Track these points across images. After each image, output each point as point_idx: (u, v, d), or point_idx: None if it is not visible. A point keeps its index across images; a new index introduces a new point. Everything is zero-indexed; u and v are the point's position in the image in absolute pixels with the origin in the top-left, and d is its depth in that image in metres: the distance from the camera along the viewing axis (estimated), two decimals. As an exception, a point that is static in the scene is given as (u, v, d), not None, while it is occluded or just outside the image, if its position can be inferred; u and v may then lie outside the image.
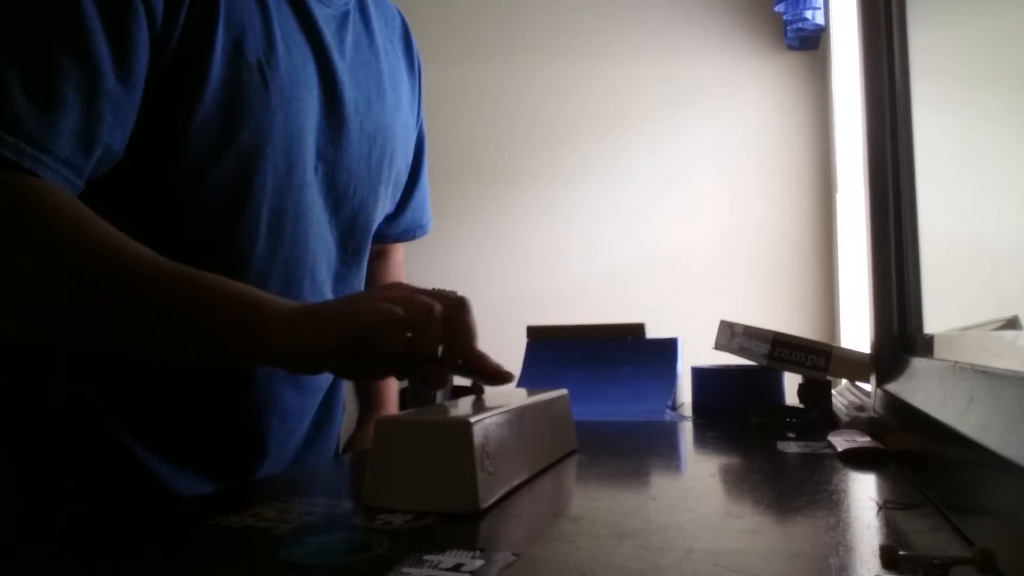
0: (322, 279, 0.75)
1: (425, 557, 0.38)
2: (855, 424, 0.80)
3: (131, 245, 0.55)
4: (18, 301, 0.54)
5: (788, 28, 2.42)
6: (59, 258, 0.53)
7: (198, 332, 0.55)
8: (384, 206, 0.85)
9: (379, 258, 0.98)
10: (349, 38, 0.76)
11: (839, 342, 2.29)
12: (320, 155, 0.72)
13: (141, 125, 0.59)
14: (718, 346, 1.06)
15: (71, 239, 0.53)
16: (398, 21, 0.89)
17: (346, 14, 0.76)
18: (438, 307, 0.54)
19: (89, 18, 0.54)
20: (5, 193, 0.51)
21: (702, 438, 0.82)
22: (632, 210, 2.64)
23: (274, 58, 0.66)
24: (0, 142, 0.50)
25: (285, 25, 0.68)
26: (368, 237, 0.82)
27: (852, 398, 0.97)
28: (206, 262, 0.58)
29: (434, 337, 0.54)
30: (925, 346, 0.74)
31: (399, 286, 0.58)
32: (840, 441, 0.68)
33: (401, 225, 0.96)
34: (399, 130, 0.83)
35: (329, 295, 0.77)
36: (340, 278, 0.78)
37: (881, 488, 0.56)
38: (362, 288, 0.84)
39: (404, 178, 0.89)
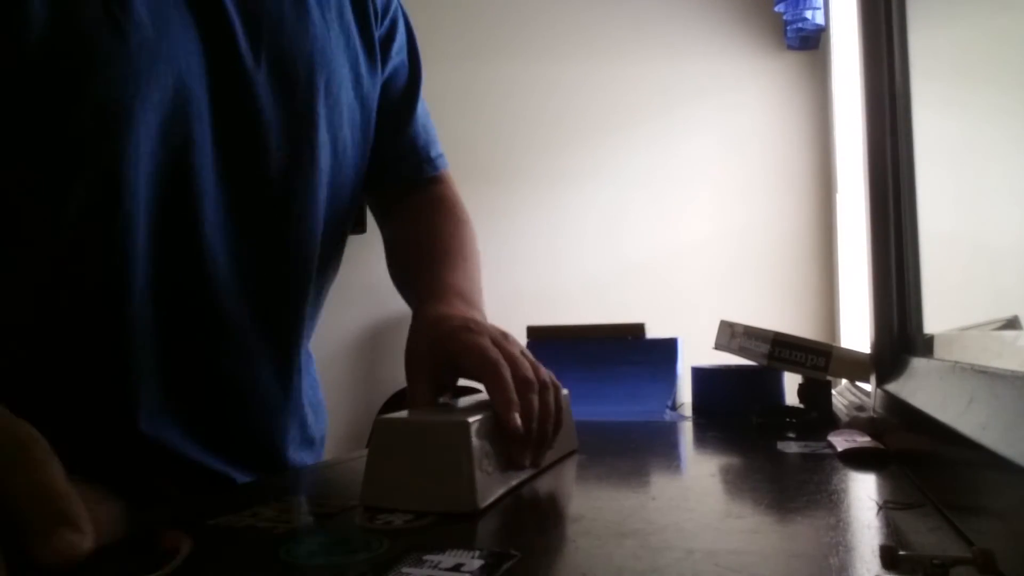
0: (226, 267, 0.61)
1: (425, 557, 0.37)
2: (855, 424, 0.80)
3: None
4: None
5: (788, 28, 2.42)
6: None
7: None
8: (341, 164, 0.69)
9: (410, 198, 0.83)
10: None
11: (839, 342, 2.29)
12: (216, 106, 0.58)
13: None
14: (718, 346, 1.06)
15: None
16: None
17: None
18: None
19: None
20: None
21: (702, 438, 0.82)
22: (632, 210, 2.64)
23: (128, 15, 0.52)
24: None
25: None
26: (311, 210, 0.66)
27: (852, 398, 0.97)
28: (79, 251, 0.51)
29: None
30: (925, 346, 0.74)
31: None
32: (840, 441, 0.68)
33: (404, 169, 0.82)
34: (336, 57, 0.67)
35: (248, 287, 0.63)
36: (268, 264, 0.64)
37: (881, 488, 0.56)
38: (309, 277, 0.69)
39: (373, 122, 0.75)
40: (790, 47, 2.52)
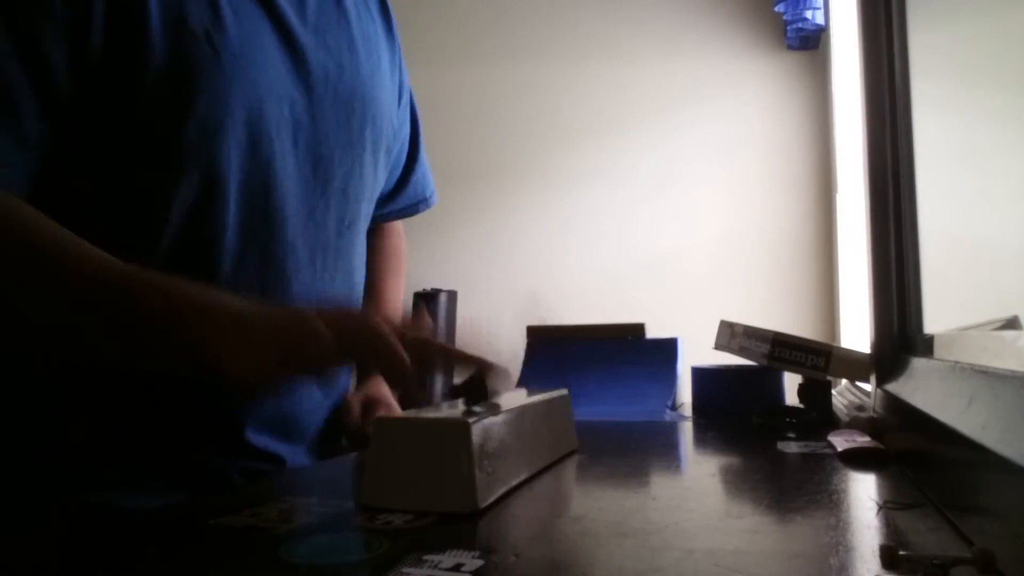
0: (304, 257, 0.72)
1: (425, 557, 0.37)
2: (855, 424, 0.80)
3: (76, 242, 0.55)
4: None
5: (788, 28, 2.42)
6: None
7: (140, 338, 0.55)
8: (375, 178, 0.82)
9: (376, 233, 0.95)
10: (311, 1, 0.72)
11: (839, 342, 2.29)
12: (295, 125, 0.69)
13: (87, 113, 0.59)
14: (718, 346, 1.06)
15: (11, 236, 0.54)
16: None
17: None
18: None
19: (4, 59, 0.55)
20: None
21: (702, 438, 0.82)
22: (632, 210, 2.64)
23: (221, 24, 0.62)
24: None
25: None
26: (360, 208, 0.79)
27: (852, 398, 0.97)
28: (177, 247, 0.59)
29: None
30: (925, 346, 0.74)
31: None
32: (840, 441, 0.68)
33: (402, 201, 0.94)
34: (380, 95, 0.80)
35: (319, 272, 0.74)
36: (335, 252, 0.75)
37: (881, 488, 0.56)
38: (361, 262, 0.81)
39: (395, 147, 0.87)
40: (790, 47, 2.52)
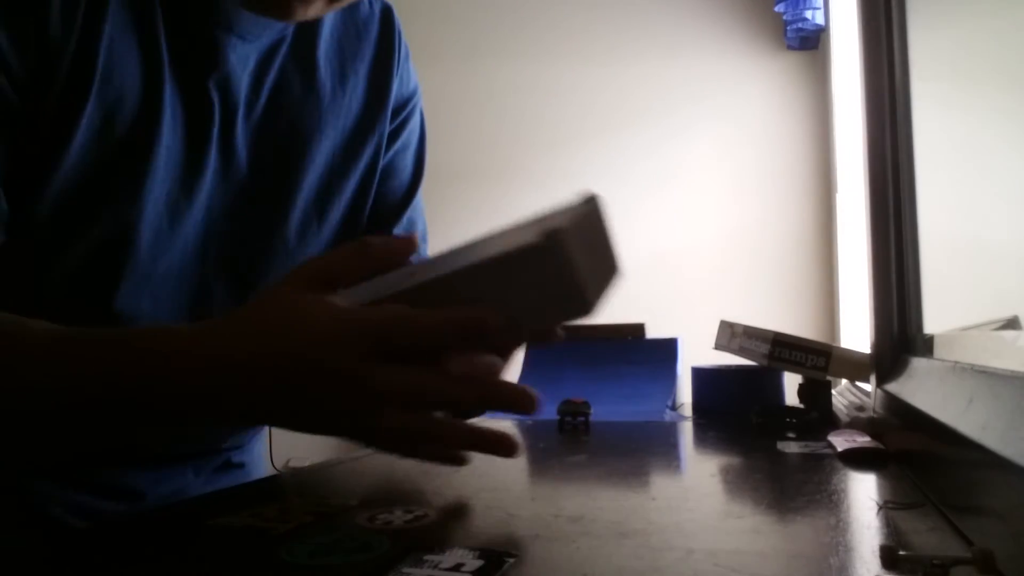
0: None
1: (425, 557, 0.37)
2: (855, 424, 0.80)
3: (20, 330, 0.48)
4: None
5: (788, 28, 2.42)
6: None
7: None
8: (297, 254, 0.70)
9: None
10: (271, 77, 0.64)
11: (839, 342, 2.29)
12: (208, 233, 0.62)
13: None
14: (718, 346, 1.06)
15: None
16: (373, 32, 0.74)
17: (276, 44, 0.64)
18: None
19: None
20: None
21: (702, 438, 0.82)
22: (632, 210, 2.64)
23: (156, 132, 0.57)
24: None
25: (176, 82, 0.58)
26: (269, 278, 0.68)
27: (852, 398, 0.97)
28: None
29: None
30: (925, 346, 0.74)
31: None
32: (840, 441, 0.68)
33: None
34: (337, 180, 0.71)
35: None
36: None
37: (881, 488, 0.56)
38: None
39: (359, 220, 0.74)
40: (790, 47, 2.52)
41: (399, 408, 0.45)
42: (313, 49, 0.68)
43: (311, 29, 0.67)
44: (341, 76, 0.70)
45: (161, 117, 0.57)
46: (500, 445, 0.48)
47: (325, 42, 0.69)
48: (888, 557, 0.34)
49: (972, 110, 0.78)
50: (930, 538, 0.41)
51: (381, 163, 0.75)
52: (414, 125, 0.80)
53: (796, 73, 2.58)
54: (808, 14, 2.32)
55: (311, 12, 0.61)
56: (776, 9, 2.41)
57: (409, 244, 0.51)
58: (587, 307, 0.45)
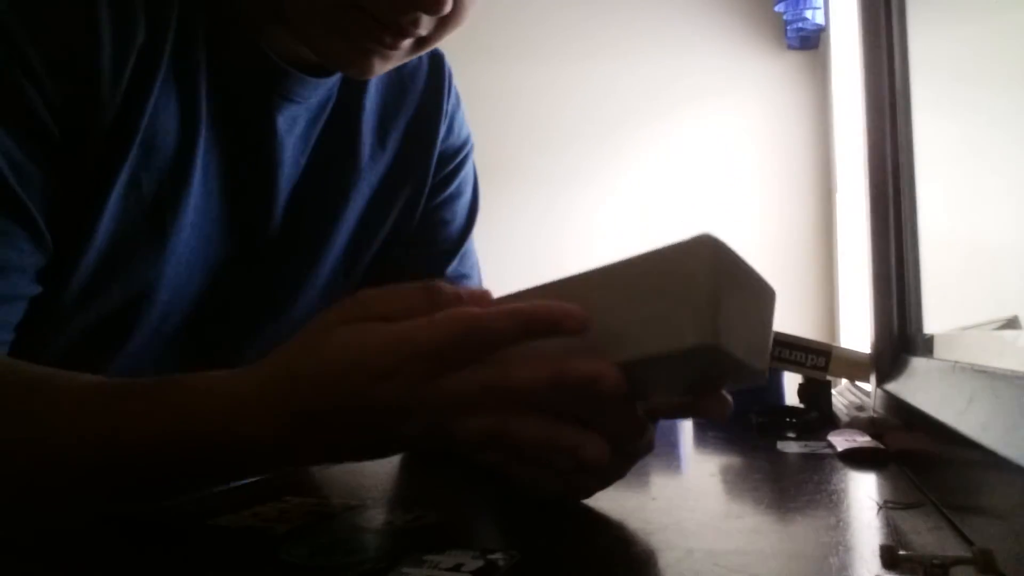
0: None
1: (425, 557, 0.37)
2: (855, 424, 0.80)
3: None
4: None
5: (788, 28, 2.42)
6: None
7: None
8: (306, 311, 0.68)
9: None
10: (315, 137, 0.63)
11: (839, 342, 2.29)
12: (227, 288, 0.61)
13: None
14: (718, 346, 1.06)
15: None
16: (420, 82, 0.71)
17: (324, 104, 0.63)
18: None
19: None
20: None
21: (702, 438, 0.82)
22: (632, 210, 2.64)
23: (185, 194, 0.55)
24: None
25: (215, 142, 0.57)
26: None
27: (852, 398, 0.97)
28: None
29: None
30: (925, 346, 0.74)
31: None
32: (840, 441, 0.68)
33: None
34: (367, 234, 0.69)
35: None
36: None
37: (881, 488, 0.56)
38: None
39: (386, 270, 0.71)
40: (790, 47, 2.52)
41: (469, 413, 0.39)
42: (359, 107, 0.66)
43: (357, 85, 0.65)
44: (382, 132, 0.69)
45: (191, 177, 0.56)
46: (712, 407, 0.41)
47: (371, 98, 0.67)
48: (888, 557, 0.34)
49: (972, 109, 0.78)
50: (930, 538, 0.41)
51: (419, 212, 0.72)
52: (467, 174, 0.78)
53: (796, 73, 2.58)
54: (808, 14, 2.32)
55: (388, 67, 0.58)
56: (776, 9, 2.41)
57: (483, 298, 0.42)
58: (760, 375, 0.39)
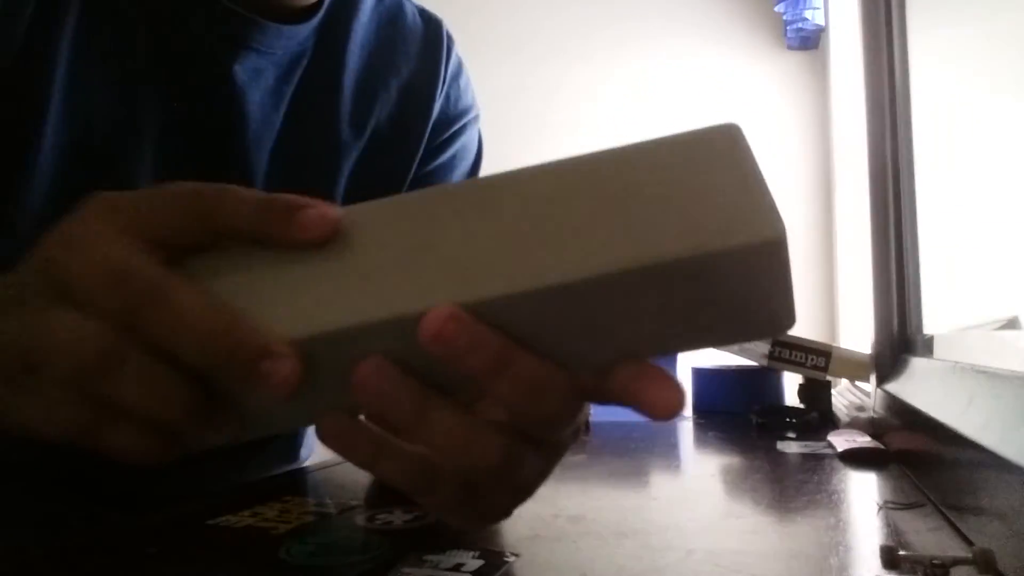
0: None
1: (425, 557, 0.37)
2: (855, 424, 0.80)
3: None
4: None
5: (788, 28, 2.42)
6: None
7: None
8: None
9: None
10: (288, 94, 0.59)
11: (839, 342, 2.29)
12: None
13: None
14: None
15: None
16: (414, 48, 0.69)
17: (297, 58, 0.59)
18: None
19: None
20: None
21: (702, 438, 0.82)
22: (632, 210, 2.64)
23: (136, 154, 0.52)
24: None
25: (166, 97, 0.53)
26: None
27: (852, 398, 0.97)
28: None
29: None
30: (925, 346, 0.74)
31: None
32: (840, 441, 0.68)
33: None
34: (355, 198, 0.67)
35: None
36: None
37: (881, 488, 0.56)
38: None
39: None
40: (790, 47, 2.52)
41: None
42: (339, 65, 0.63)
43: (337, 42, 0.62)
44: (368, 92, 0.66)
45: (140, 138, 0.52)
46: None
47: (353, 57, 0.64)
48: (888, 557, 0.34)
49: (972, 109, 0.78)
50: (930, 538, 0.41)
51: (409, 177, 0.70)
52: (464, 145, 0.75)
53: (796, 73, 2.58)
54: (808, 14, 2.31)
55: None
56: (776, 9, 2.41)
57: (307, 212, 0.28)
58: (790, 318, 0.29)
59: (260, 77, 0.57)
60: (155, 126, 0.53)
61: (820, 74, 2.53)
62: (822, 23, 2.33)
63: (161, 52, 0.53)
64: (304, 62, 0.60)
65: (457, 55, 0.75)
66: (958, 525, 0.42)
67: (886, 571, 0.34)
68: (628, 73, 2.67)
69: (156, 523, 0.50)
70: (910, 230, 0.80)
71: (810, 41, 2.49)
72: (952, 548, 0.39)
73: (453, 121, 0.74)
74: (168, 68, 0.53)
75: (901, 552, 0.34)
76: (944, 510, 0.46)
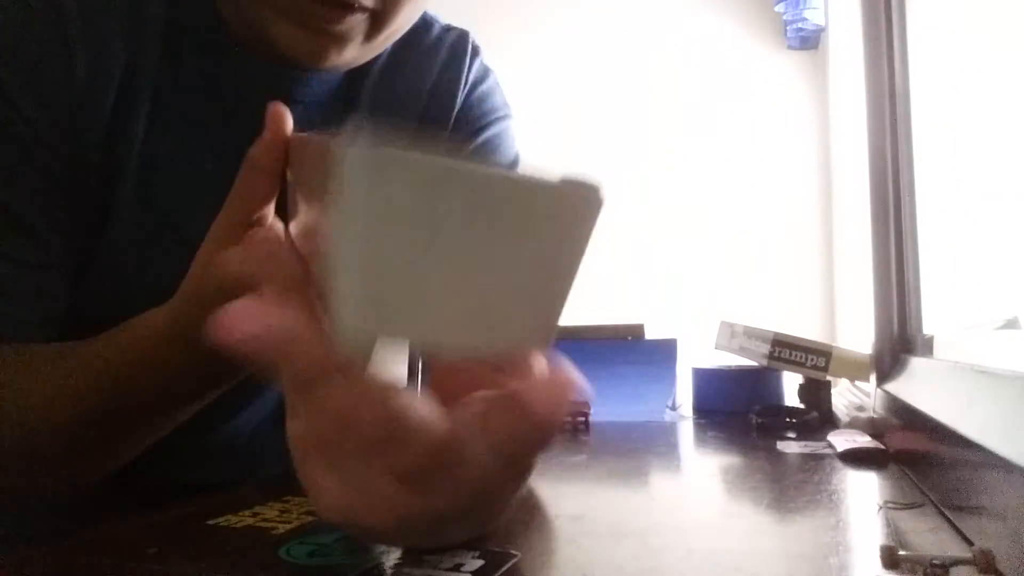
0: None
1: (425, 557, 0.37)
2: (855, 424, 0.80)
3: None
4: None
5: (788, 28, 2.42)
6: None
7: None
8: None
9: None
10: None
11: (839, 342, 2.29)
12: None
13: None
14: (718, 346, 1.06)
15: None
16: (436, 64, 0.71)
17: (325, 103, 0.63)
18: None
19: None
20: None
21: (702, 438, 0.82)
22: (631, 209, 2.64)
23: (199, 210, 0.56)
24: None
25: (227, 153, 0.54)
26: None
27: (852, 398, 0.97)
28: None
29: None
30: (925, 346, 0.74)
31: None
32: (840, 441, 0.68)
33: None
34: None
35: None
36: None
37: (881, 488, 0.56)
38: None
39: None
40: (790, 47, 2.52)
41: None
42: (356, 95, 0.66)
43: (357, 79, 0.65)
44: (388, 110, 0.67)
45: (204, 194, 0.55)
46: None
47: (368, 89, 0.66)
48: (888, 557, 0.34)
49: (973, 109, 0.78)
50: (930, 538, 0.41)
51: None
52: (485, 145, 0.76)
53: (796, 73, 2.58)
54: (808, 14, 2.32)
55: (349, 55, 0.56)
56: (776, 9, 2.41)
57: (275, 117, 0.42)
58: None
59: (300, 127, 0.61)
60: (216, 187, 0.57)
61: (820, 74, 2.53)
62: (822, 23, 2.33)
63: (217, 113, 0.58)
64: (328, 105, 0.64)
65: (483, 63, 0.76)
66: (958, 525, 0.42)
67: (886, 571, 0.34)
68: (627, 72, 2.67)
69: (156, 523, 0.50)
70: (910, 230, 0.80)
71: (810, 41, 2.49)
72: (952, 548, 0.39)
73: (473, 120, 0.75)
74: (225, 129, 0.58)
75: (901, 552, 0.34)
76: (944, 510, 0.46)
